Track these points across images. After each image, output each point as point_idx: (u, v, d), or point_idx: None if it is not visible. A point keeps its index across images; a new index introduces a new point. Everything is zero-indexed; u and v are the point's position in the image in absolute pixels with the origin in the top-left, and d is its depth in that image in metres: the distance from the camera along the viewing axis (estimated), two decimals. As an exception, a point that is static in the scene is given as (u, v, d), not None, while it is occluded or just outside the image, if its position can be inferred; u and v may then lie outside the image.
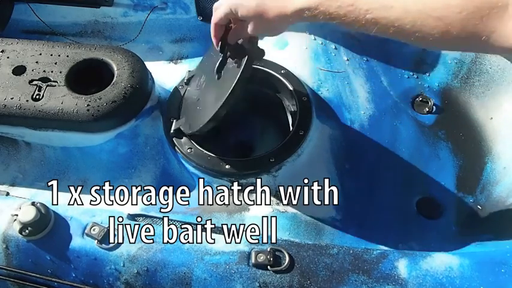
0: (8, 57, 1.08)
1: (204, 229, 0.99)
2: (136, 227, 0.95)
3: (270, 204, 1.04)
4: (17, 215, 0.91)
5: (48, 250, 0.92)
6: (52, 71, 1.06)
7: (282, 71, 1.20)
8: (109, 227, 0.93)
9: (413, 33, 0.71)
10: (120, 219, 0.96)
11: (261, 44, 1.33)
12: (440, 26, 0.68)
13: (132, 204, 1.06)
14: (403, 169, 1.16)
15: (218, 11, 0.89)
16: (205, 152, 1.06)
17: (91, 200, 1.07)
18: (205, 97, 1.05)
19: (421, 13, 0.69)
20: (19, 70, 1.06)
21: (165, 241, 0.92)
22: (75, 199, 1.06)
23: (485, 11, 0.66)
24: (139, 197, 1.09)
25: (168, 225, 0.99)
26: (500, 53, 0.71)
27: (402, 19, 0.70)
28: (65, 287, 0.92)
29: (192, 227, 1.00)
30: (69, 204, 1.03)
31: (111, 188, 1.09)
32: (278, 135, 1.27)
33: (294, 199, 1.05)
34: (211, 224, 1.02)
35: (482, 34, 0.66)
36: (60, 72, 1.05)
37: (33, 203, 0.92)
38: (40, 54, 1.08)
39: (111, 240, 0.92)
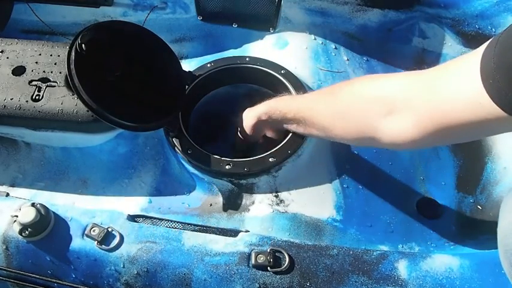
0: (7, 58, 1.07)
1: (204, 230, 1.00)
2: (137, 227, 0.95)
3: (270, 205, 1.04)
4: (17, 216, 0.91)
5: (48, 251, 0.92)
6: (52, 72, 1.05)
7: (282, 71, 1.20)
8: (109, 227, 0.93)
9: (327, 132, 0.93)
10: (120, 220, 0.96)
11: (261, 43, 1.35)
12: (340, 126, 0.89)
13: (132, 205, 1.06)
14: (403, 169, 1.16)
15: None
16: (205, 152, 1.06)
17: (91, 201, 1.07)
18: None
19: (326, 117, 0.92)
20: (19, 70, 1.05)
21: (165, 242, 0.92)
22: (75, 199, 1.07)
23: (362, 115, 0.83)
24: (139, 198, 1.09)
25: (168, 226, 0.99)
26: (387, 147, 0.93)
27: (316, 119, 0.94)
28: (64, 287, 0.92)
29: (192, 227, 1.00)
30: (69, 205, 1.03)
31: (111, 188, 1.10)
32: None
33: (294, 199, 1.05)
34: (211, 224, 1.02)
35: (368, 134, 0.83)
36: (60, 73, 1.05)
37: (33, 204, 0.92)
38: (40, 54, 1.08)
39: (111, 241, 0.92)
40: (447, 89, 0.69)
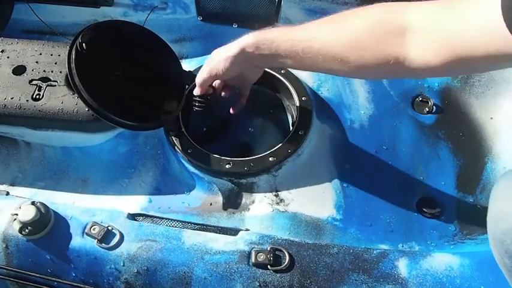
0: (8, 57, 1.08)
1: (204, 228, 1.00)
2: (137, 226, 0.95)
3: (270, 204, 1.04)
4: (16, 215, 0.91)
5: (48, 249, 0.92)
6: (52, 71, 1.06)
7: (282, 71, 1.20)
8: (109, 226, 0.93)
9: (336, 62, 0.83)
10: (120, 218, 0.96)
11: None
12: (356, 56, 0.81)
13: (132, 204, 1.06)
14: (403, 169, 1.16)
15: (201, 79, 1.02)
16: (205, 151, 1.06)
17: (91, 200, 1.07)
18: None
19: (338, 45, 0.82)
20: (19, 70, 1.06)
21: (165, 240, 0.92)
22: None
23: (382, 40, 0.77)
24: (140, 197, 1.09)
25: (168, 225, 0.99)
26: (413, 77, 0.90)
27: (325, 49, 0.84)
28: (65, 286, 0.92)
29: (192, 226, 1.00)
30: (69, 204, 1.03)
31: (111, 187, 1.10)
32: (278, 135, 1.27)
33: (294, 198, 1.05)
34: (211, 223, 1.02)
35: (389, 59, 0.77)
36: (60, 72, 1.05)
37: (33, 203, 0.92)
38: (40, 54, 1.08)
39: (111, 240, 0.92)
40: (466, 17, 0.67)
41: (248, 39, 0.92)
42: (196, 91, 1.03)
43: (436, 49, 0.72)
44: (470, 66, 0.76)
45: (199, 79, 1.01)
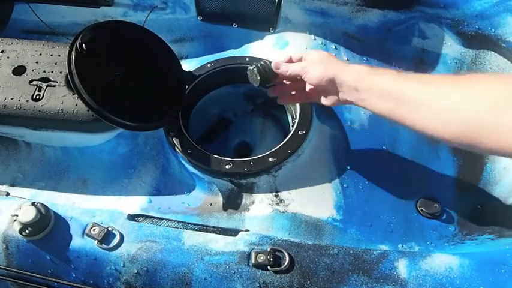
0: (8, 57, 1.08)
1: (204, 229, 1.00)
2: (137, 227, 0.95)
3: (270, 204, 1.04)
4: (17, 215, 0.91)
5: (48, 250, 0.92)
6: (52, 71, 1.06)
7: None
8: (109, 227, 0.93)
9: (425, 132, 0.77)
10: (121, 219, 0.96)
11: (261, 43, 1.35)
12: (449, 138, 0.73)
13: (132, 205, 1.06)
14: (403, 169, 1.16)
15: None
16: (205, 152, 1.06)
17: (91, 200, 1.07)
18: None
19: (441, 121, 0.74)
20: (19, 70, 1.06)
21: (165, 241, 0.92)
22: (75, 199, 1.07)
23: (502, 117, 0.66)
24: (140, 197, 1.09)
25: (168, 226, 0.99)
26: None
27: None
28: (65, 287, 0.92)
29: (192, 227, 1.00)
30: (69, 205, 1.03)
31: (111, 188, 1.10)
32: (278, 135, 1.28)
33: (294, 199, 1.05)
34: (211, 224, 1.02)
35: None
36: (60, 72, 1.05)
37: (33, 203, 0.92)
38: (40, 54, 1.08)
39: (111, 241, 0.92)
40: None
41: (363, 77, 0.87)
42: (276, 66, 1.01)
43: None
44: None
45: (290, 65, 0.99)
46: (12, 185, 1.12)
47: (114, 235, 0.93)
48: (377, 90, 0.84)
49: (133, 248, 0.91)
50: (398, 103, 0.80)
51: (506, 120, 0.66)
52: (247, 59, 1.24)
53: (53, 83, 1.04)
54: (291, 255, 0.89)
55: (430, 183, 1.15)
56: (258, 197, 1.06)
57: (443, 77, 0.85)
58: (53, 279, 0.91)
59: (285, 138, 1.09)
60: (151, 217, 1.02)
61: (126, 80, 0.99)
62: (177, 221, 1.01)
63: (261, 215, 1.02)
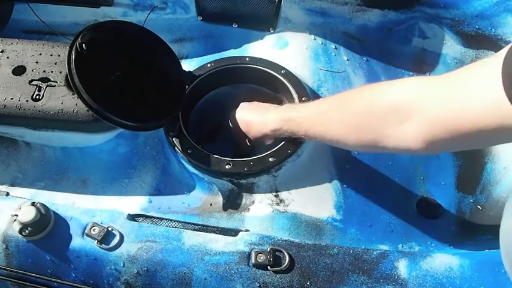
0: (8, 57, 1.08)
1: (203, 229, 1.00)
2: (137, 227, 0.95)
3: (270, 204, 1.04)
4: (17, 215, 0.91)
5: (48, 250, 0.92)
6: (52, 71, 1.06)
7: (282, 71, 1.20)
8: (109, 227, 0.93)
9: (339, 143, 0.91)
10: (120, 219, 0.96)
11: (261, 43, 1.35)
12: (353, 139, 0.87)
13: (132, 205, 1.06)
14: (403, 169, 1.16)
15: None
16: (205, 152, 1.06)
17: (91, 200, 1.07)
18: None
19: (337, 130, 0.89)
20: (19, 70, 1.06)
21: (165, 241, 0.92)
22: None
23: (379, 123, 0.80)
24: (139, 197, 1.09)
25: (168, 226, 0.99)
26: (399, 152, 0.94)
27: (328, 134, 0.92)
28: (65, 287, 0.92)
29: (192, 227, 1.00)
30: (69, 204, 1.03)
31: (111, 188, 1.10)
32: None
33: (294, 199, 1.05)
34: (211, 224, 1.02)
35: (381, 142, 0.81)
36: (60, 72, 1.05)
37: (33, 203, 0.92)
38: (40, 54, 1.08)
39: (111, 241, 0.92)
40: (464, 94, 0.67)
41: (270, 126, 1.03)
42: None
43: (431, 128, 0.72)
44: (464, 143, 0.75)
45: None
46: (12, 185, 1.12)
47: (114, 235, 0.92)
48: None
49: (133, 248, 0.91)
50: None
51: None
52: (247, 59, 1.24)
53: (53, 83, 1.04)
54: (291, 255, 0.89)
55: (430, 183, 1.15)
56: (258, 197, 1.06)
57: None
58: (53, 279, 0.91)
59: (285, 139, 1.09)
60: (151, 217, 1.02)
61: (126, 80, 0.99)
62: (177, 221, 1.01)
63: (261, 215, 1.02)
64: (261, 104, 1.12)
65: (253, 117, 1.08)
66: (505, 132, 0.63)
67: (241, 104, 1.14)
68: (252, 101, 1.15)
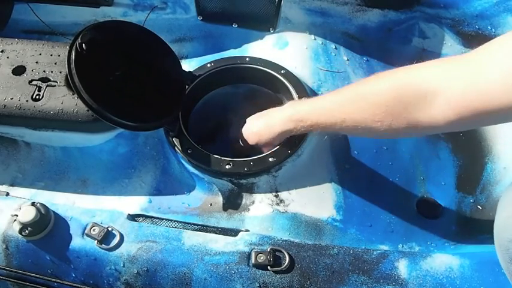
0: (7, 57, 1.08)
1: (203, 229, 1.00)
2: (137, 227, 0.95)
3: (270, 205, 1.04)
4: (16, 215, 0.91)
5: (48, 250, 0.92)
6: (52, 71, 1.05)
7: (282, 71, 1.20)
8: (109, 227, 0.93)
9: (367, 134, 0.90)
10: (120, 219, 0.96)
11: (261, 43, 1.34)
12: (383, 128, 0.84)
13: (132, 205, 1.06)
14: (403, 169, 1.16)
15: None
16: (205, 152, 1.06)
17: (91, 200, 1.07)
18: None
19: (367, 119, 0.86)
20: (19, 70, 1.06)
21: (165, 241, 0.92)
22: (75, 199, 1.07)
23: (406, 106, 0.80)
24: (139, 197, 1.09)
25: (168, 226, 0.99)
26: (429, 133, 0.94)
27: (355, 130, 0.90)
28: (65, 287, 0.92)
29: (192, 227, 1.00)
30: (69, 205, 1.03)
31: (111, 188, 1.10)
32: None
33: (294, 199, 1.05)
34: (211, 224, 1.02)
35: (412, 124, 0.81)
36: (60, 72, 1.05)
37: (33, 203, 0.92)
38: (40, 54, 1.08)
39: (111, 241, 0.92)
40: (492, 70, 0.67)
41: (287, 125, 1.00)
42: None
43: (457, 109, 0.73)
44: (488, 120, 0.76)
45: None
46: (12, 185, 1.11)
47: (114, 235, 0.93)
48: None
49: (133, 248, 0.91)
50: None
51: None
52: (247, 59, 1.24)
53: (53, 83, 1.04)
54: (291, 255, 0.89)
55: (430, 183, 1.15)
56: (258, 197, 1.05)
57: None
58: (52, 280, 0.91)
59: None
60: (151, 217, 1.02)
61: (126, 80, 0.99)
62: (177, 221, 1.01)
63: (261, 215, 1.02)
64: (263, 111, 1.10)
65: (260, 126, 1.07)
66: None
67: (247, 120, 1.12)
68: (252, 101, 1.15)
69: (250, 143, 1.09)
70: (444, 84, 0.74)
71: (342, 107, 0.91)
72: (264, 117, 1.07)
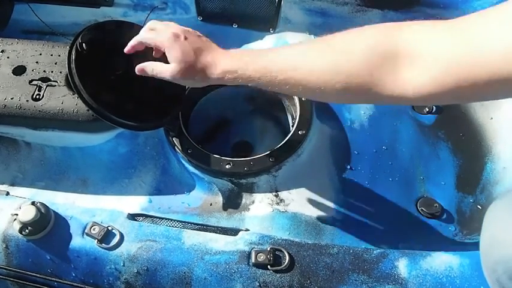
0: (8, 57, 1.08)
1: (204, 229, 1.00)
2: (137, 226, 0.95)
3: (270, 204, 1.04)
4: (17, 215, 0.91)
5: (48, 250, 0.92)
6: (52, 71, 1.06)
7: None
8: (109, 226, 0.93)
9: (318, 90, 0.75)
10: (121, 218, 0.96)
11: (261, 43, 1.35)
12: (340, 84, 0.72)
13: (132, 204, 1.06)
14: (403, 169, 1.16)
15: (156, 36, 0.89)
16: (205, 152, 1.06)
17: (91, 200, 1.07)
18: None
19: (324, 74, 0.73)
20: (19, 70, 1.06)
21: (165, 240, 0.92)
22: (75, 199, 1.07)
23: (374, 67, 0.69)
24: (140, 197, 1.09)
25: (168, 225, 0.99)
26: (393, 103, 0.75)
27: (307, 79, 0.75)
28: (65, 286, 0.92)
29: (192, 226, 1.00)
30: (69, 204, 1.03)
31: (111, 188, 1.10)
32: (278, 135, 1.28)
33: (294, 199, 1.05)
34: (211, 223, 1.02)
35: (375, 87, 0.70)
36: (60, 72, 1.05)
37: (33, 203, 0.92)
38: (40, 54, 1.08)
39: (111, 240, 0.92)
40: (482, 39, 0.59)
41: (228, 68, 0.82)
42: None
43: (439, 75, 0.64)
44: (472, 95, 0.66)
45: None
46: (12, 184, 1.11)
47: (114, 234, 0.93)
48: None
49: (134, 248, 0.91)
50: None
51: None
52: None
53: (53, 83, 1.04)
54: (291, 254, 0.89)
55: (430, 183, 1.15)
56: (258, 196, 1.06)
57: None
58: (52, 279, 0.91)
59: (285, 138, 1.09)
60: (151, 217, 1.02)
61: (127, 79, 0.99)
62: (177, 221, 1.01)
63: (261, 214, 1.02)
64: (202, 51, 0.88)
65: (197, 70, 0.85)
66: None
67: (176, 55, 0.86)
68: (252, 102, 1.14)
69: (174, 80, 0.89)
70: (427, 47, 0.66)
71: (302, 58, 0.77)
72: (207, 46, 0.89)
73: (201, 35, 0.92)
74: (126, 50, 0.92)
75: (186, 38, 0.87)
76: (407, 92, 0.68)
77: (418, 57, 0.66)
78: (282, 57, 0.79)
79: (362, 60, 0.71)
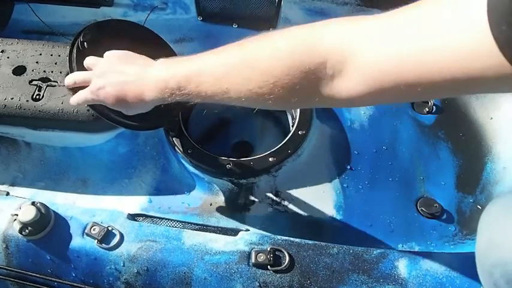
0: (8, 57, 1.08)
1: (204, 229, 1.00)
2: (137, 226, 0.95)
3: (270, 204, 1.04)
4: (17, 215, 0.91)
5: (48, 250, 0.92)
6: (52, 71, 1.06)
7: None
8: (109, 226, 0.93)
9: (247, 102, 0.71)
10: (121, 219, 0.96)
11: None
12: (270, 97, 0.66)
13: (132, 205, 1.06)
14: (403, 169, 1.16)
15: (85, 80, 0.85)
16: (206, 152, 1.06)
17: (91, 200, 1.07)
18: None
19: (248, 88, 0.68)
20: (19, 70, 1.06)
21: (165, 241, 0.92)
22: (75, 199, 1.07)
23: (309, 79, 0.61)
24: (140, 197, 1.09)
25: (168, 225, 0.99)
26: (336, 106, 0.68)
27: (229, 94, 0.71)
28: (65, 286, 0.92)
29: (192, 226, 1.00)
30: (69, 204, 1.03)
31: (111, 188, 1.10)
32: (278, 135, 1.28)
33: (294, 199, 1.05)
34: (211, 224, 1.02)
35: (314, 96, 0.63)
36: (61, 73, 1.05)
37: (33, 203, 0.92)
38: (40, 54, 1.08)
39: (111, 240, 0.92)
40: (427, 35, 0.50)
41: (161, 88, 0.77)
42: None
43: (377, 81, 0.57)
44: (409, 95, 0.58)
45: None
46: (12, 184, 1.12)
47: (114, 235, 0.93)
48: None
49: (134, 248, 0.91)
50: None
51: None
52: None
53: (53, 83, 1.04)
54: (291, 254, 0.89)
55: (430, 183, 1.15)
56: (258, 196, 1.06)
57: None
58: (52, 279, 0.91)
59: (285, 138, 1.09)
60: (151, 217, 1.02)
61: None
62: (177, 221, 1.01)
63: (261, 214, 1.02)
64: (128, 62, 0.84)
65: (125, 90, 0.81)
66: (485, 81, 0.47)
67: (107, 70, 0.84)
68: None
69: (109, 104, 0.85)
70: (358, 48, 0.58)
71: (226, 75, 0.71)
72: (130, 76, 0.82)
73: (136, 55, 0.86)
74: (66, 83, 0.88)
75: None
76: (347, 99, 0.61)
77: (349, 62, 0.59)
78: (209, 72, 0.74)
79: (290, 78, 0.63)
